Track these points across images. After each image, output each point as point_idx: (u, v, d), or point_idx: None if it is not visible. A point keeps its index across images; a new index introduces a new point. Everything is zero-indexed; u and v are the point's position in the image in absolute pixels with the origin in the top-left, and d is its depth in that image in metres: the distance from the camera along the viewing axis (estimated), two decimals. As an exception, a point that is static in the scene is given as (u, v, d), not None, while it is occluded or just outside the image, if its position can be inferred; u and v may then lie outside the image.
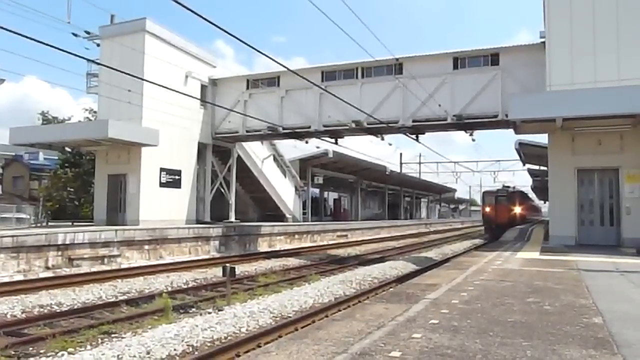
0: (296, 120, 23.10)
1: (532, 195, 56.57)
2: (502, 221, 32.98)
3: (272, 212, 31.48)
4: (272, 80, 23.87)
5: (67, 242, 15.40)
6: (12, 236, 14.06)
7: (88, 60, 19.82)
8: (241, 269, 16.39)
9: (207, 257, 20.18)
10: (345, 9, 11.69)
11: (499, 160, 55.36)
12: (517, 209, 35.04)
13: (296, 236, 27.99)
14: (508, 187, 38.56)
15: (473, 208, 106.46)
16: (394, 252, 25.34)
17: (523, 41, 23.06)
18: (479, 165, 56.78)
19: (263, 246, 24.56)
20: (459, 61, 20.42)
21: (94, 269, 15.52)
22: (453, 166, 57.75)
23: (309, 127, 22.84)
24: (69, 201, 29.90)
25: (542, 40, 17.63)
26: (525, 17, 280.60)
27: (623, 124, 16.27)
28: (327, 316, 8.60)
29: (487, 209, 35.48)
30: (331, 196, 48.90)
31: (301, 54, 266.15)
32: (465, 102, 19.85)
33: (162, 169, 22.34)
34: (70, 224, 22.42)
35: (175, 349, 6.97)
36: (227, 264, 11.24)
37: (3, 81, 24.69)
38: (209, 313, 9.43)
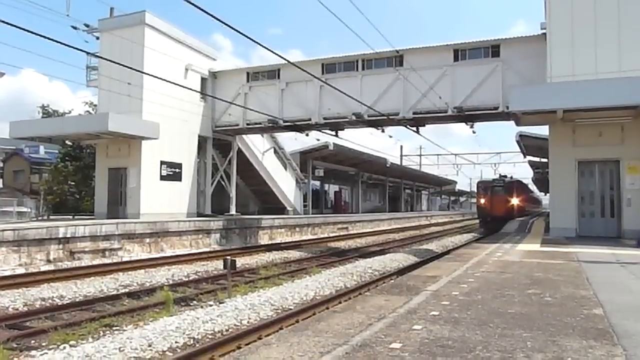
0: (296, 112, 23.06)
1: (532, 186, 56.19)
2: (499, 214, 30.49)
3: (272, 204, 31.49)
4: (272, 73, 23.81)
5: (69, 236, 15.43)
6: (14, 230, 14.09)
7: (88, 53, 19.77)
8: (242, 261, 16.44)
9: (208, 250, 20.23)
10: (344, 0, 11.63)
11: (499, 153, 55.30)
12: (515, 201, 32.26)
13: (297, 229, 28.03)
14: (505, 176, 35.82)
15: (474, 200, 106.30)
16: (395, 245, 25.41)
17: (521, 32, 22.97)
18: (479, 157, 56.81)
19: (264, 239, 24.60)
20: (459, 53, 20.35)
21: (95, 262, 15.57)
22: (453, 158, 57.76)
23: (309, 120, 22.80)
24: (70, 195, 29.92)
25: (543, 31, 17.54)
26: (523, 8, 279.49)
27: (624, 116, 16.23)
28: (327, 308, 8.63)
29: (482, 201, 32.90)
30: (332, 189, 48.91)
31: (298, 46, 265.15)
32: (465, 94, 19.79)
33: (162, 162, 22.32)
34: (71, 217, 22.47)
35: (176, 341, 7.00)
36: (228, 257, 11.27)
37: (3, 75, 24.63)
38: (210, 305, 9.47)
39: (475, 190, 40.26)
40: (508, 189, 32.32)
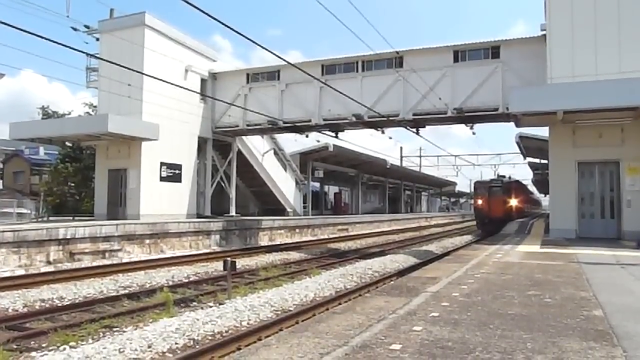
0: (296, 114, 23.08)
1: (531, 187, 56.06)
2: (497, 215, 29.08)
3: (272, 206, 31.49)
4: (272, 74, 23.84)
5: (68, 237, 15.42)
6: (14, 231, 14.08)
7: (88, 54, 19.76)
8: (242, 262, 16.41)
9: (208, 251, 20.21)
10: (344, 1, 11.64)
11: (499, 154, 55.30)
12: (514, 202, 30.85)
13: (297, 230, 28.01)
14: (503, 176, 34.39)
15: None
16: (395, 246, 25.38)
17: (521, 33, 22.96)
18: (479, 158, 56.88)
19: (264, 240, 24.59)
20: (459, 54, 20.37)
21: (95, 264, 15.55)
22: (454, 159, 57.83)
23: (309, 121, 22.82)
24: (70, 196, 29.91)
25: (543, 32, 17.55)
26: (522, 9, 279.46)
27: (624, 117, 16.23)
28: (327, 309, 8.62)
29: (479, 202, 31.19)
30: (332, 190, 48.96)
31: (297, 47, 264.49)
32: (465, 95, 19.81)
33: (162, 163, 22.33)
34: (71, 218, 22.46)
35: (176, 343, 6.99)
36: (228, 258, 11.25)
37: (3, 76, 24.61)
38: (210, 307, 9.46)
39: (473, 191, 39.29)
40: (506, 190, 30.93)
